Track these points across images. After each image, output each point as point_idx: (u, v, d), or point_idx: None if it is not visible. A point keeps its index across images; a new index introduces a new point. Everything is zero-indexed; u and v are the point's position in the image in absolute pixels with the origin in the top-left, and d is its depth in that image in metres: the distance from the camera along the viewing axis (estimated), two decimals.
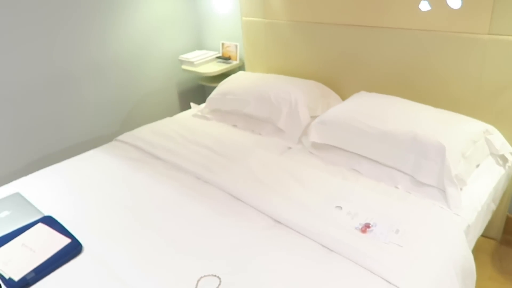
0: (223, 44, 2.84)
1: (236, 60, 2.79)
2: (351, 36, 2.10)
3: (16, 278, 1.22)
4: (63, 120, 2.43)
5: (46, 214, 1.53)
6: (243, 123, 2.20)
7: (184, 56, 2.82)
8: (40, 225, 1.44)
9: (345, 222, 1.35)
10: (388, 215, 1.37)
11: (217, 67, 2.73)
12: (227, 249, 1.30)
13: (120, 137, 2.16)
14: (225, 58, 2.81)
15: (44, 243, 1.35)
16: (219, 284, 1.16)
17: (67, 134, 2.47)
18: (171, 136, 2.08)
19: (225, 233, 1.37)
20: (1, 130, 2.18)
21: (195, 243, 1.33)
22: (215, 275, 1.20)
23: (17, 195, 1.68)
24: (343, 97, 2.22)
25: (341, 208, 1.42)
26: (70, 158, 2.00)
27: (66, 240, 1.35)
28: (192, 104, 2.58)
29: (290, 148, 1.96)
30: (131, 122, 2.76)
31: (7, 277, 1.22)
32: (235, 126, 2.23)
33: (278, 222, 1.41)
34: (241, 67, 2.80)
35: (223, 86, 2.39)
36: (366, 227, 1.30)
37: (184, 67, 2.82)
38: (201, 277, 1.19)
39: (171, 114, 2.53)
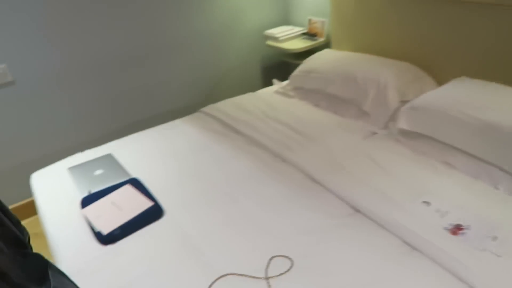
0: (310, 20, 2.74)
1: (322, 37, 2.68)
2: (453, 12, 1.87)
3: (105, 232, 1.32)
4: (154, 90, 2.56)
5: (133, 176, 1.63)
6: (326, 103, 2.12)
7: (269, 32, 2.78)
8: (127, 186, 1.54)
9: (433, 220, 1.23)
10: (485, 218, 1.22)
11: (302, 44, 2.65)
12: (301, 232, 1.27)
13: (204, 109, 2.21)
14: (311, 35, 2.71)
15: (130, 204, 1.44)
16: (291, 267, 1.14)
17: (157, 103, 2.61)
18: (252, 111, 2.08)
19: (300, 215, 1.34)
20: (100, 96, 2.36)
21: (270, 221, 1.33)
22: (287, 257, 1.18)
23: (109, 156, 1.81)
24: (440, 83, 2.01)
25: (429, 204, 1.31)
26: (158, 126, 2.10)
27: (149, 203, 1.43)
28: (274, 80, 2.55)
29: (375, 133, 1.85)
30: (215, 95, 2.82)
31: (96, 230, 1.33)
32: (317, 105, 2.16)
33: (357, 210, 1.34)
34: (327, 45, 2.68)
35: (307, 63, 2.32)
36: (457, 229, 1.18)
37: (269, 42, 2.78)
38: (273, 257, 1.18)
39: (254, 89, 2.53)
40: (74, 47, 2.19)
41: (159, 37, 2.44)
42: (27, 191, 1.74)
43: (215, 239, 1.27)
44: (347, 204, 1.37)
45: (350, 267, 1.12)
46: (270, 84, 2.61)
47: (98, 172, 1.69)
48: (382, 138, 1.79)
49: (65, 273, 0.50)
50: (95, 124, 2.43)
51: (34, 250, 1.57)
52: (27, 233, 0.50)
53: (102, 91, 2.38)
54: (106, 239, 1.30)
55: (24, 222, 1.95)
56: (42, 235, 2.13)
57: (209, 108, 2.20)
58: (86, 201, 1.48)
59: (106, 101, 2.41)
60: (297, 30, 2.79)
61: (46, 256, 1.55)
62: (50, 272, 0.46)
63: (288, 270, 1.14)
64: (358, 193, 1.38)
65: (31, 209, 2.18)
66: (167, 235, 1.31)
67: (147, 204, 1.43)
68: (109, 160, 1.77)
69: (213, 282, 1.11)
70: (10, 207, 2.32)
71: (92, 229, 1.35)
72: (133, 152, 1.85)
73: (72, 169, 1.73)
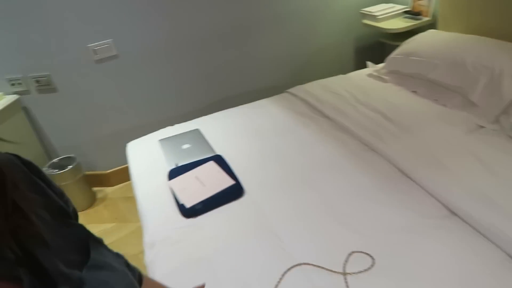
0: None
1: (427, 16, 2.42)
2: None
3: (188, 205, 1.36)
4: (242, 68, 2.57)
5: (218, 153, 1.66)
6: (426, 89, 1.92)
7: (366, 9, 2.59)
8: (211, 162, 1.57)
9: None
10: None
11: (403, 23, 2.43)
12: (386, 229, 1.18)
13: (291, 90, 2.16)
14: (415, 14, 2.47)
15: (213, 180, 1.47)
16: (372, 265, 1.07)
17: (246, 80, 2.62)
18: (342, 95, 1.97)
19: (387, 211, 1.24)
20: (194, 72, 2.45)
21: (352, 214, 1.25)
22: (368, 254, 1.10)
23: (197, 131, 1.86)
24: None
25: None
26: (244, 105, 2.11)
27: (231, 182, 1.44)
28: (368, 63, 2.39)
29: (482, 127, 1.63)
30: (303, 75, 2.74)
31: (180, 203, 1.38)
32: (414, 92, 1.97)
33: (454, 213, 1.20)
34: (432, 25, 2.42)
35: (408, 45, 2.11)
36: None
37: (365, 21, 2.60)
38: (353, 252, 1.11)
39: (345, 71, 2.40)
40: (175, 23, 2.28)
41: (252, 13, 2.43)
42: (124, 157, 1.88)
43: (292, 226, 1.24)
44: (442, 205, 1.23)
45: (440, 275, 1.01)
46: (363, 66, 2.45)
47: (186, 146, 1.75)
48: (490, 133, 1.57)
49: (106, 245, 0.52)
50: (187, 98, 2.52)
51: (127, 213, 1.69)
52: (72, 205, 0.51)
53: (196, 67, 2.45)
54: (188, 212, 1.34)
55: (119, 186, 2.11)
56: (134, 199, 2.30)
57: (296, 89, 2.14)
58: (173, 173, 1.55)
59: (198, 77, 2.49)
60: (399, 8, 2.56)
61: (134, 220, 1.66)
62: (90, 243, 0.47)
63: (369, 268, 1.06)
64: (457, 194, 1.23)
65: (126, 174, 2.37)
66: (245, 215, 1.31)
67: (229, 182, 1.44)
68: (196, 135, 1.83)
69: (288, 269, 1.09)
70: (109, 171, 2.57)
71: (176, 201, 1.41)
72: (220, 129, 1.88)
73: (163, 141, 1.82)
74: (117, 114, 2.43)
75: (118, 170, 2.56)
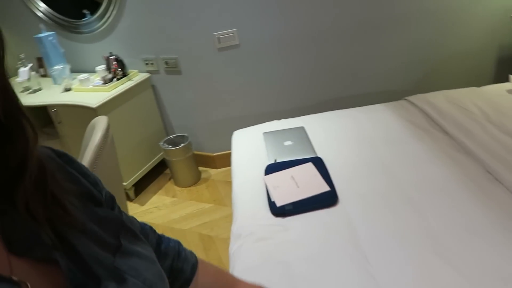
0: None
1: None
2: None
3: (278, 203, 1.35)
4: (362, 68, 2.44)
5: (318, 155, 1.61)
6: None
7: None
8: (310, 164, 1.52)
9: None
10: None
11: None
12: (499, 279, 0.99)
13: (411, 98, 1.98)
14: None
15: (308, 182, 1.42)
16: None
17: (362, 82, 2.49)
18: (470, 110, 1.73)
19: (504, 258, 1.04)
20: (310, 68, 2.41)
21: (459, 251, 1.08)
22: None
23: (301, 129, 1.83)
24: None
25: None
26: (356, 108, 2.00)
27: (326, 188, 1.38)
28: None
29: None
30: (427, 83, 2.49)
31: (271, 200, 1.37)
32: None
33: None
34: None
35: None
36: None
37: None
38: None
39: (479, 84, 2.10)
40: (297, 17, 2.26)
41: (382, 10, 2.26)
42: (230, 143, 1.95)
43: (385, 249, 1.13)
44: None
45: None
46: (505, 80, 2.11)
47: (288, 143, 1.73)
48: None
49: (138, 233, 0.52)
50: (298, 93, 2.50)
51: (225, 197, 1.75)
52: (108, 193, 0.53)
53: (312, 62, 2.41)
54: (278, 211, 1.33)
55: (223, 170, 2.20)
56: (218, 184, 2.38)
57: (416, 98, 1.95)
58: (270, 169, 1.55)
59: (313, 73, 2.44)
60: None
61: (230, 205, 1.70)
62: (122, 231, 0.48)
63: None
64: None
65: (230, 160, 2.47)
66: (335, 226, 1.24)
67: (323, 187, 1.38)
68: (300, 133, 1.80)
69: None
70: (216, 154, 2.70)
71: (268, 197, 1.40)
72: (326, 130, 1.82)
73: (266, 134, 1.83)
74: (230, 101, 2.53)
75: (223, 154, 2.68)
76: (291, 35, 2.31)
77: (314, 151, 1.64)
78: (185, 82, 2.52)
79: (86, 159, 1.33)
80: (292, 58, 2.38)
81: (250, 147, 1.81)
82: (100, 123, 1.47)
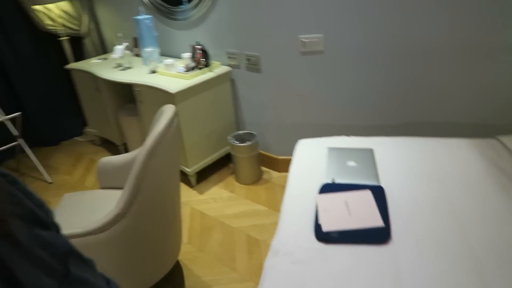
0: None
1: None
2: None
3: (324, 228, 1.27)
4: (449, 93, 2.19)
5: (381, 184, 1.48)
6: None
7: None
8: (368, 192, 1.41)
9: None
10: None
11: None
12: None
13: (504, 138, 1.73)
14: None
15: (361, 212, 1.32)
16: None
17: (446, 108, 2.24)
18: None
19: None
20: (392, 85, 2.23)
21: None
22: None
23: (369, 152, 1.70)
24: None
25: None
26: (434, 138, 1.81)
27: (380, 222, 1.26)
28: None
29: None
30: None
31: (318, 222, 1.29)
32: None
33: None
34: None
35: None
36: None
37: None
38: None
39: None
40: (391, 29, 2.10)
41: (496, 34, 2.00)
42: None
43: None
44: None
45: None
46: None
47: (351, 163, 1.62)
48: None
49: (89, 260, 0.49)
50: (375, 111, 2.34)
51: (281, 203, 1.68)
52: (52, 215, 0.49)
53: (397, 79, 2.23)
54: (322, 236, 1.25)
55: (284, 175, 2.16)
56: (276, 188, 2.32)
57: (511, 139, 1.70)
58: (325, 188, 1.46)
59: (395, 91, 2.26)
60: None
61: (273, 210, 1.65)
62: (70, 256, 0.45)
63: None
64: None
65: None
66: (380, 268, 1.13)
67: (377, 221, 1.27)
68: (367, 156, 1.68)
69: None
70: (280, 157, 2.66)
71: (316, 218, 1.33)
72: (395, 156, 1.67)
73: (331, 150, 1.74)
74: (303, 107, 2.46)
75: (288, 159, 2.62)
76: (380, 48, 2.16)
77: (377, 179, 1.52)
78: (263, 80, 2.51)
79: (147, 144, 1.37)
80: (376, 72, 2.23)
81: (311, 159, 1.73)
82: (167, 112, 1.52)
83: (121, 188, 1.49)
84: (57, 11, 3.22)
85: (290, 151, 2.54)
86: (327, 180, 1.53)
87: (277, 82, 2.46)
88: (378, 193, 1.40)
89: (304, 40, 2.27)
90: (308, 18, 2.19)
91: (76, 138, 3.58)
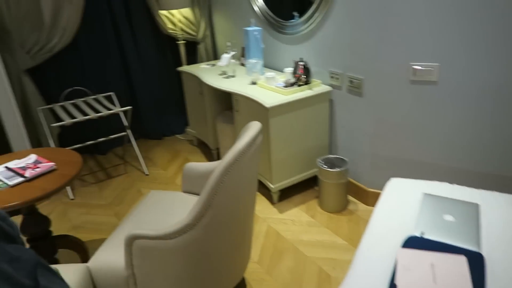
0: None
1: None
2: None
3: None
4: None
5: (482, 250, 1.24)
6: None
7: None
8: (462, 258, 1.18)
9: None
10: None
11: None
12: None
13: None
14: None
15: (450, 282, 1.10)
16: None
17: None
18: None
19: None
20: (506, 127, 1.90)
21: None
22: None
23: (474, 207, 1.45)
24: None
25: None
26: None
27: None
28: None
29: None
30: None
31: (393, 282, 1.12)
32: None
33: None
34: None
35: None
36: None
37: None
38: None
39: None
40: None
41: None
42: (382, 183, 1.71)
43: None
44: None
45: None
46: None
47: (449, 217, 1.39)
48: None
49: (56, 271, 0.47)
50: (488, 157, 2.00)
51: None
52: (17, 229, 0.48)
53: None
54: None
55: (372, 209, 1.98)
56: (361, 223, 2.13)
57: None
58: (410, 242, 1.27)
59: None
60: None
61: (353, 246, 1.51)
62: (38, 269, 0.43)
63: None
64: None
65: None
66: None
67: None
68: (469, 212, 1.42)
69: None
70: (371, 189, 2.45)
71: (392, 277, 1.15)
72: (506, 219, 1.39)
73: (427, 197, 1.53)
74: (404, 140, 2.23)
75: (378, 193, 2.41)
76: (507, 86, 1.84)
77: (477, 243, 1.27)
78: (363, 105, 2.34)
79: (225, 160, 1.35)
80: (498, 113, 1.90)
81: (402, 203, 1.54)
82: (251, 129, 1.48)
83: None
84: (179, 17, 3.47)
85: (382, 184, 2.34)
86: (415, 232, 1.33)
87: (379, 109, 2.27)
88: (476, 262, 1.17)
89: (416, 67, 2.06)
90: (424, 44, 1.98)
91: (177, 135, 3.81)
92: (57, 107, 2.91)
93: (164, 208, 1.82)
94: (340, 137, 2.58)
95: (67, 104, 2.97)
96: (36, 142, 3.01)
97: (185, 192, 1.97)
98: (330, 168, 2.37)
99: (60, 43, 2.94)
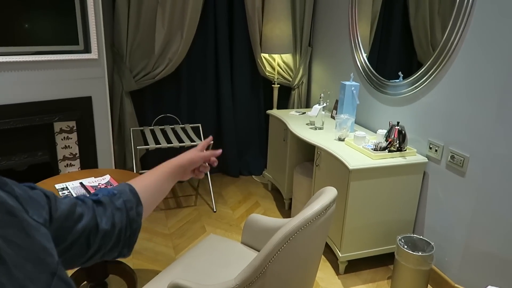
0: None
1: None
2: None
3: None
4: None
5: None
6: None
7: None
8: None
9: None
10: None
11: None
12: None
13: None
14: None
15: None
16: None
17: None
18: None
19: None
20: None
21: None
22: None
23: None
24: None
25: None
26: None
27: None
28: None
29: None
30: None
31: None
32: None
33: None
34: None
35: None
36: None
37: None
38: None
39: None
40: None
41: None
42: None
43: None
44: None
45: None
46: None
47: None
48: None
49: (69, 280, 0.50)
50: None
51: None
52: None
53: None
54: None
55: None
56: None
57: None
58: None
59: None
60: None
61: None
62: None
63: None
64: None
65: None
66: None
67: None
68: None
69: None
70: (459, 286, 2.06)
71: None
72: None
73: None
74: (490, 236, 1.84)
75: None
76: None
77: None
78: (464, 187, 2.01)
79: (288, 226, 1.20)
80: None
81: None
82: (326, 195, 1.32)
83: (258, 251, 1.36)
84: (279, 61, 3.48)
85: (473, 284, 1.95)
86: None
87: (483, 196, 1.93)
88: None
89: None
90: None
91: (254, 176, 3.74)
92: (147, 130, 3.05)
93: (218, 257, 1.71)
94: (429, 217, 2.25)
95: (157, 128, 3.10)
96: (123, 159, 3.17)
97: (243, 243, 1.84)
98: (411, 250, 2.06)
99: (163, 72, 3.11)
